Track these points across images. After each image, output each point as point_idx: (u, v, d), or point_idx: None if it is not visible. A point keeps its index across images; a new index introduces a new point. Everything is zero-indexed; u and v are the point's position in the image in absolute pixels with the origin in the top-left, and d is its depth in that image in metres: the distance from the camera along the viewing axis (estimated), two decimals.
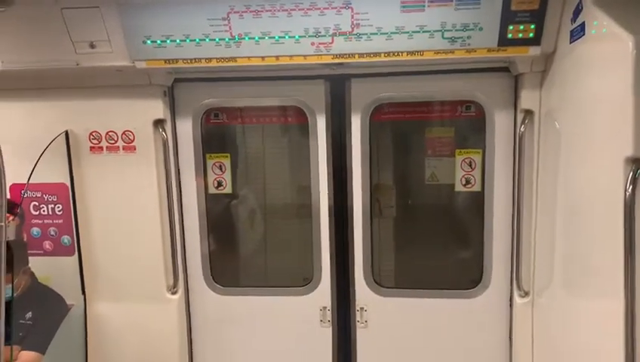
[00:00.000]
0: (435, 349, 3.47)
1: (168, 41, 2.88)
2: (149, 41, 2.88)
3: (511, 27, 2.67)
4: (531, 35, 2.68)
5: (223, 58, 2.91)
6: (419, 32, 2.73)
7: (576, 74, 2.49)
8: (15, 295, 3.09)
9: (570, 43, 2.52)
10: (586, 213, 2.41)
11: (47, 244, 3.47)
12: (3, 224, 2.22)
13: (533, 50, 2.73)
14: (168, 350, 3.52)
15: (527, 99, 2.99)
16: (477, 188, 3.32)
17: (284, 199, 3.79)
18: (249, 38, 2.83)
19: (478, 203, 3.35)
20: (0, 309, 2.25)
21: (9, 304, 2.84)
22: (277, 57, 2.88)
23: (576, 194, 2.53)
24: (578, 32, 2.42)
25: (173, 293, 3.48)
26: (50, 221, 3.44)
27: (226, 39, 2.85)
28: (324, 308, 3.51)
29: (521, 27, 2.67)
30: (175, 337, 3.51)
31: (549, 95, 2.89)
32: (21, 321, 3.15)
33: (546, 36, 2.68)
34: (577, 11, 2.42)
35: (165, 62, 2.96)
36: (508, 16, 2.64)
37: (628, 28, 2.03)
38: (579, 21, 2.41)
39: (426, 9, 2.67)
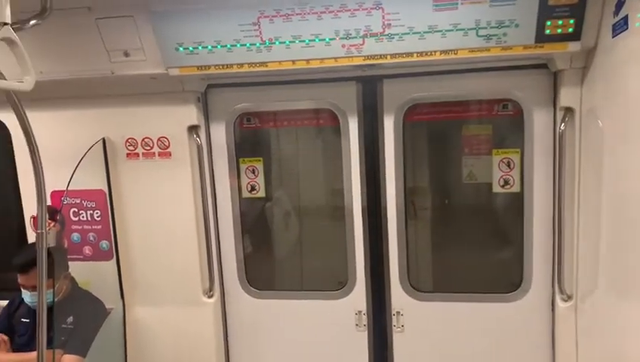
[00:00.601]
0: (473, 355, 3.39)
1: (200, 48, 2.90)
2: (181, 48, 2.91)
3: (549, 22, 2.58)
4: (570, 30, 2.58)
5: (254, 63, 2.91)
6: (452, 30, 2.67)
7: (621, 69, 2.38)
8: (56, 300, 3.16)
9: (613, 37, 2.41)
10: (634, 215, 2.30)
11: (86, 249, 3.55)
12: (44, 231, 2.27)
13: (573, 46, 2.63)
14: (205, 353, 3.55)
15: (568, 96, 2.88)
16: (516, 189, 3.23)
17: (318, 202, 3.78)
18: (279, 43, 2.82)
19: (517, 203, 3.25)
20: (42, 314, 2.30)
21: (50, 309, 2.93)
22: (308, 61, 2.87)
23: (623, 194, 2.42)
24: (621, 26, 2.31)
25: (210, 297, 3.51)
26: (89, 226, 3.52)
27: (257, 44, 2.84)
28: (360, 312, 3.47)
29: (560, 22, 2.57)
30: (211, 340, 3.53)
31: (590, 92, 2.77)
32: (63, 326, 3.23)
33: (586, 31, 2.57)
34: (620, 4, 2.31)
35: (197, 68, 2.98)
36: (545, 12, 2.55)
37: None
38: (622, 14, 2.30)
39: (460, 7, 2.60)
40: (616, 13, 2.36)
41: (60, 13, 2.73)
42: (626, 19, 2.26)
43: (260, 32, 2.80)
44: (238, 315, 3.65)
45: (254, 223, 3.71)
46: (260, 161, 3.54)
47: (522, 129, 3.13)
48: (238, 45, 2.86)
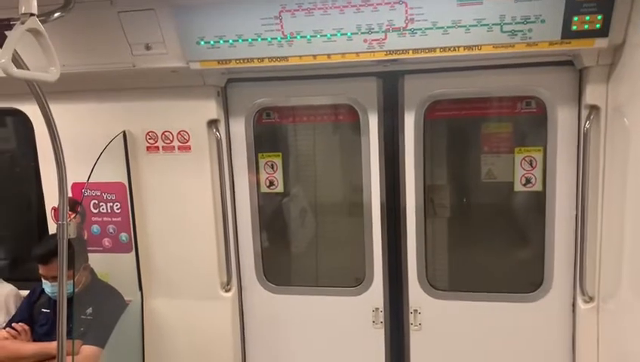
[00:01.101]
0: (491, 355, 3.35)
1: (221, 42, 2.89)
2: (202, 42, 2.91)
3: (576, 18, 2.52)
4: (598, 26, 2.52)
5: (275, 57, 2.90)
6: (476, 25, 2.62)
7: None
8: (76, 291, 3.20)
9: None
10: None
11: (106, 241, 3.58)
12: (65, 222, 2.29)
13: (600, 42, 2.57)
14: (222, 346, 3.57)
15: (593, 94, 2.82)
16: (538, 187, 3.18)
17: (336, 198, 3.76)
18: (301, 37, 2.81)
19: (538, 202, 3.20)
20: (62, 305, 2.33)
21: (71, 300, 2.97)
22: (329, 55, 2.85)
23: None
24: None
25: (227, 291, 3.52)
26: (109, 219, 3.55)
27: (278, 38, 2.83)
28: (377, 309, 3.46)
29: (587, 18, 2.51)
30: (228, 334, 3.55)
31: (617, 90, 2.71)
32: (82, 316, 3.26)
33: (614, 27, 2.51)
34: None
35: (218, 62, 2.98)
36: (572, 7, 2.49)
37: None
38: None
39: (484, 1, 2.55)
40: None
41: (83, 6, 2.74)
42: None
43: (282, 26, 2.79)
44: (255, 310, 3.66)
45: (272, 218, 3.71)
46: (278, 156, 3.53)
47: (545, 127, 3.08)
48: (259, 39, 2.85)
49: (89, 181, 3.21)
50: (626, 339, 2.67)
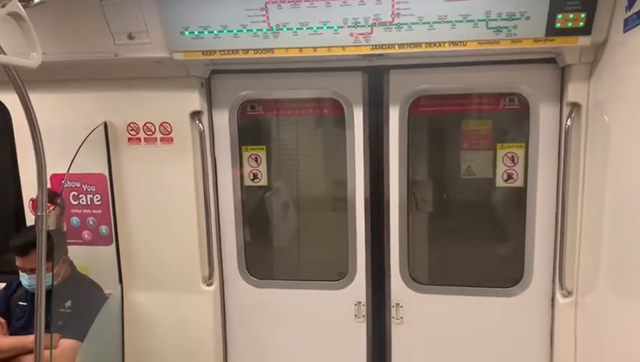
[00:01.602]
0: (472, 348, 3.39)
1: (206, 32, 2.86)
2: (186, 32, 2.87)
3: (560, 16, 2.55)
4: (581, 24, 2.55)
5: (260, 49, 2.88)
6: (462, 21, 2.64)
7: (631, 65, 2.36)
8: (55, 283, 3.14)
9: (624, 32, 2.39)
10: (638, 212, 2.29)
11: (85, 234, 3.52)
12: (44, 213, 2.25)
13: (583, 40, 2.60)
14: (203, 340, 3.54)
15: (575, 91, 2.86)
16: (519, 183, 3.22)
17: (320, 192, 3.76)
18: (287, 29, 2.79)
19: (519, 198, 3.25)
20: (41, 297, 2.29)
21: (49, 292, 2.91)
22: (315, 48, 2.83)
23: (627, 191, 2.41)
24: (633, 21, 2.29)
25: (209, 285, 3.49)
26: (89, 211, 3.49)
27: (264, 30, 2.81)
28: (359, 303, 3.47)
29: (571, 16, 2.54)
30: (210, 328, 3.52)
31: (598, 87, 2.75)
32: (61, 310, 3.21)
33: (597, 25, 2.55)
34: None
35: (203, 53, 2.94)
36: (557, 5, 2.52)
37: None
38: (634, 9, 2.28)
39: None
40: (629, 8, 2.34)
41: None
42: (638, 13, 2.24)
43: (268, 18, 2.77)
44: (237, 304, 3.64)
45: (256, 212, 3.69)
46: (262, 149, 3.51)
47: (527, 123, 3.12)
48: (245, 31, 2.83)
49: (69, 172, 3.15)
50: (602, 332, 2.73)
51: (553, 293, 3.20)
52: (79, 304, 3.27)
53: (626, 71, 2.41)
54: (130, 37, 2.93)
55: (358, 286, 3.46)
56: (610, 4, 2.48)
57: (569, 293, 3.07)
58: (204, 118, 3.34)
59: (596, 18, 2.53)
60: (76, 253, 3.42)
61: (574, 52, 2.76)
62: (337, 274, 3.49)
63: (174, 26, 2.87)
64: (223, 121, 3.43)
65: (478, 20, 2.62)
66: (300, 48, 2.84)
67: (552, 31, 2.60)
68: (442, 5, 2.61)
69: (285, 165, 3.74)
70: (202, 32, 2.86)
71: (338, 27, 2.74)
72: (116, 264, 3.49)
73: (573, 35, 2.59)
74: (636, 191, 2.32)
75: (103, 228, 3.49)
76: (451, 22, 2.65)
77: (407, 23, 2.68)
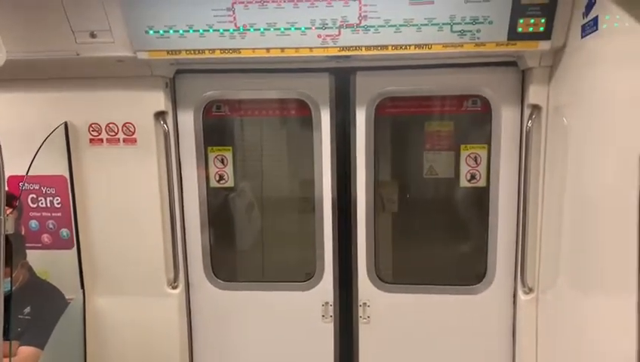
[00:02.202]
0: (438, 345, 3.45)
1: (171, 32, 2.82)
2: (151, 32, 2.82)
3: (521, 21, 2.63)
4: (541, 29, 2.64)
5: (227, 49, 2.85)
6: (427, 24, 2.69)
7: (588, 70, 2.45)
8: (13, 289, 3.04)
9: (582, 38, 2.48)
10: (597, 210, 2.38)
11: (45, 238, 3.41)
12: (2, 217, 2.17)
13: (543, 45, 2.69)
14: (168, 345, 3.49)
15: (535, 94, 2.95)
16: (482, 183, 3.30)
17: (287, 193, 3.76)
18: (254, 30, 2.78)
19: (481, 197, 3.32)
20: None
21: (7, 298, 2.80)
22: (282, 49, 2.83)
23: (585, 190, 2.50)
24: (590, 27, 2.38)
25: (174, 288, 3.44)
26: (49, 214, 3.38)
27: (231, 30, 2.79)
28: (327, 303, 3.48)
29: (532, 21, 2.63)
30: (175, 332, 3.47)
31: (557, 90, 2.85)
32: (19, 316, 3.11)
33: (556, 30, 2.64)
34: (590, 5, 2.37)
35: (168, 52, 2.90)
36: (518, 10, 2.60)
37: None
38: (591, 15, 2.37)
39: (436, 1, 2.62)
40: (586, 14, 2.43)
41: None
42: (595, 20, 2.33)
43: (234, 18, 2.75)
44: (203, 307, 3.60)
45: (222, 213, 3.65)
46: (229, 150, 3.48)
47: (490, 125, 3.20)
48: (211, 30, 2.80)
49: (28, 174, 3.05)
50: (562, 327, 2.83)
51: (515, 290, 3.29)
52: (39, 310, 3.17)
53: (584, 75, 2.50)
54: (93, 35, 2.86)
55: (326, 286, 3.47)
56: (568, 10, 2.57)
57: (530, 290, 3.16)
58: (169, 119, 3.29)
59: (555, 23, 2.62)
60: (35, 258, 3.31)
61: (535, 56, 2.85)
62: (305, 275, 3.50)
63: (138, 24, 2.81)
64: (188, 122, 3.38)
65: (443, 24, 2.68)
66: (268, 49, 2.84)
67: (513, 35, 2.68)
68: (408, 8, 2.65)
69: (252, 166, 3.71)
70: (167, 32, 2.82)
71: (306, 28, 2.75)
72: (77, 268, 3.39)
73: (534, 39, 2.68)
74: (593, 190, 2.41)
75: (64, 232, 3.39)
76: (417, 25, 2.69)
77: (373, 26, 2.71)
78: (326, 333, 3.53)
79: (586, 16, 2.42)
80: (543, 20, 2.62)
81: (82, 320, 3.41)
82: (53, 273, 3.39)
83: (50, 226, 3.39)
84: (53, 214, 3.38)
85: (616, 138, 2.19)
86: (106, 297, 3.45)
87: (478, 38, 2.70)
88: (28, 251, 3.31)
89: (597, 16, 2.32)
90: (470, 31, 2.69)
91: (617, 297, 2.19)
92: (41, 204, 3.36)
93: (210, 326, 3.61)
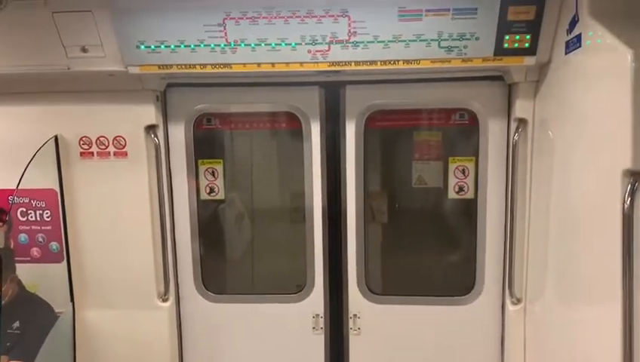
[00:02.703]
0: (427, 356, 3.48)
1: (162, 47, 2.84)
2: (142, 46, 2.85)
3: (507, 37, 2.69)
4: (527, 45, 2.71)
5: (218, 64, 2.88)
6: (416, 40, 2.74)
7: (572, 85, 2.51)
8: (2, 303, 3.02)
9: (566, 54, 2.55)
10: (581, 223, 2.43)
11: (34, 251, 3.39)
12: None
13: (529, 60, 2.76)
14: (159, 358, 3.47)
15: (521, 108, 3.01)
16: (470, 195, 3.34)
17: (278, 205, 3.77)
18: (245, 45, 2.81)
19: (470, 209, 3.37)
20: None
21: None
22: (273, 64, 2.87)
23: (570, 203, 2.55)
24: (574, 44, 2.44)
25: (164, 301, 3.44)
26: (38, 227, 3.36)
27: (222, 45, 2.82)
28: (317, 315, 3.49)
29: (517, 37, 2.69)
30: (166, 346, 3.46)
31: (543, 104, 2.91)
32: (9, 331, 3.08)
33: (541, 46, 2.70)
34: (573, 23, 2.44)
35: (159, 67, 2.92)
36: (504, 26, 2.66)
37: (626, 41, 2.05)
38: (575, 32, 2.43)
39: (424, 18, 2.67)
40: (570, 31, 2.49)
41: (16, 5, 2.63)
42: (579, 37, 2.39)
43: (226, 34, 2.78)
44: (193, 320, 3.59)
45: (212, 226, 3.66)
46: (219, 162, 3.50)
47: (477, 138, 3.25)
48: (202, 45, 2.83)
49: (18, 187, 3.04)
50: (549, 337, 2.87)
51: (503, 301, 3.32)
52: (28, 324, 3.15)
53: (568, 90, 2.56)
54: (84, 50, 2.88)
55: (316, 298, 3.48)
56: (553, 27, 2.64)
57: (518, 301, 3.20)
58: (160, 132, 3.30)
59: (540, 40, 2.68)
60: (25, 271, 3.29)
61: (521, 71, 2.91)
62: (296, 287, 3.51)
63: (130, 39, 2.84)
64: (179, 135, 3.40)
65: (431, 40, 2.73)
66: (259, 64, 2.87)
67: (500, 51, 2.73)
68: (397, 25, 2.70)
69: (242, 179, 3.73)
70: (159, 46, 2.84)
71: (296, 44, 2.79)
72: (67, 281, 3.38)
73: (520, 55, 2.74)
74: (578, 202, 2.46)
75: (54, 245, 3.37)
76: (405, 41, 2.74)
77: (363, 42, 2.76)
78: (317, 345, 3.54)
79: (570, 33, 2.49)
80: (528, 37, 2.68)
81: (72, 333, 3.40)
82: (42, 287, 3.36)
83: (40, 240, 3.37)
84: (42, 227, 3.36)
85: (600, 152, 2.24)
86: (96, 310, 3.44)
87: (465, 54, 2.76)
88: (17, 265, 3.29)
89: (580, 34, 2.38)
90: (457, 47, 2.74)
91: (603, 307, 2.23)
92: (31, 217, 3.35)
93: (201, 339, 3.61)
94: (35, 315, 3.24)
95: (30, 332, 3.13)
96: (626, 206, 2.01)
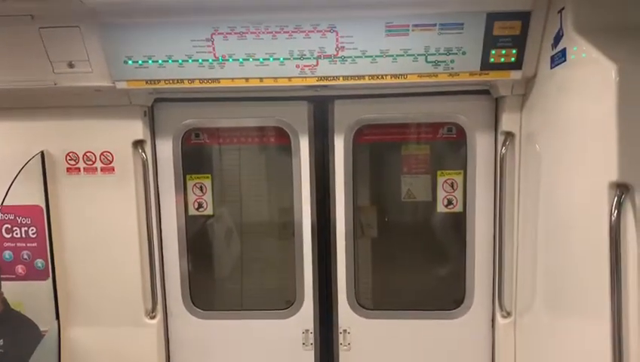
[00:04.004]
0: None
1: (150, 62, 2.84)
2: (130, 62, 2.84)
3: (493, 51, 2.72)
4: (513, 59, 2.74)
5: (206, 79, 2.88)
6: (403, 55, 2.76)
7: (558, 98, 2.54)
8: None
9: (552, 68, 2.58)
10: (569, 235, 2.44)
11: (19, 268, 3.34)
12: None
13: (515, 74, 2.79)
14: None
15: (508, 121, 3.03)
16: (459, 208, 3.35)
17: (267, 220, 3.75)
18: (233, 60, 2.82)
19: (458, 222, 3.37)
20: None
21: None
22: (261, 79, 2.87)
23: (558, 215, 2.57)
24: (559, 58, 2.47)
25: (152, 318, 3.39)
26: (24, 244, 3.32)
27: (210, 60, 2.82)
28: (307, 330, 3.47)
29: (503, 52, 2.72)
30: None
31: (529, 118, 2.93)
32: None
33: (527, 61, 2.74)
34: (558, 37, 2.47)
35: (147, 82, 2.91)
36: (490, 41, 2.69)
37: (610, 55, 2.08)
38: (560, 47, 2.46)
39: (410, 33, 2.70)
40: (555, 45, 2.52)
41: (2, 21, 2.62)
42: (564, 51, 2.42)
43: (214, 49, 2.78)
44: (181, 337, 3.55)
45: (201, 242, 3.63)
46: (208, 177, 3.48)
47: (465, 151, 3.26)
48: (190, 61, 2.83)
49: (2, 204, 3.01)
50: (539, 350, 2.86)
51: (493, 314, 3.32)
52: (13, 343, 3.10)
53: (553, 104, 2.59)
54: (71, 65, 2.87)
55: (306, 314, 3.46)
56: (538, 42, 2.67)
57: (508, 314, 3.20)
58: (147, 147, 3.28)
59: (526, 54, 2.72)
60: (9, 289, 3.24)
61: (507, 85, 2.94)
62: (285, 303, 3.48)
63: (117, 54, 2.83)
64: (167, 150, 3.38)
65: (418, 55, 2.75)
66: (247, 78, 2.87)
67: (486, 65, 2.76)
68: (384, 40, 2.72)
69: (231, 194, 3.71)
70: (146, 62, 2.84)
71: (284, 59, 2.80)
72: (53, 299, 3.32)
73: (506, 69, 2.78)
74: (565, 215, 2.48)
75: (39, 262, 3.33)
76: (392, 56, 2.76)
77: (350, 57, 2.77)
78: (307, 361, 3.50)
79: (555, 48, 2.52)
80: (514, 51, 2.72)
81: (57, 351, 3.33)
82: (27, 304, 3.31)
83: (25, 257, 3.32)
84: (28, 244, 3.32)
85: (587, 164, 2.26)
86: (82, 328, 3.39)
87: (452, 68, 2.78)
88: (2, 282, 3.24)
89: (565, 48, 2.41)
90: (444, 61, 2.76)
91: (592, 319, 2.24)
92: (16, 234, 3.30)
93: (189, 357, 3.56)
94: (20, 334, 3.19)
95: (15, 350, 3.09)
96: (613, 218, 2.02)
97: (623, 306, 2.04)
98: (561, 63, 2.47)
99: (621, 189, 2.02)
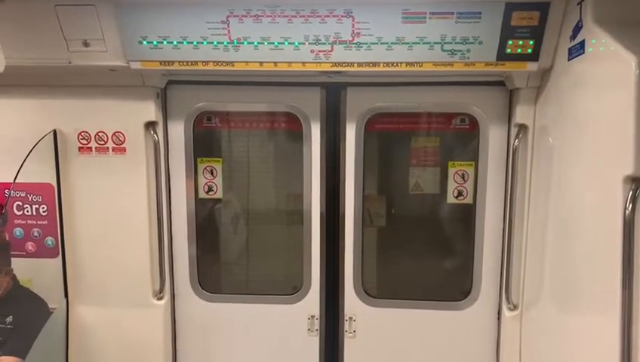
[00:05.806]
0: (422, 361, 3.46)
1: (165, 43, 2.83)
2: (145, 42, 2.84)
3: (510, 42, 2.69)
4: (530, 50, 2.71)
5: (220, 62, 2.87)
6: (419, 43, 2.74)
7: (574, 91, 2.52)
8: None
9: (569, 60, 2.55)
10: (580, 229, 2.43)
11: (29, 246, 3.36)
12: None
13: (531, 66, 2.76)
14: (152, 356, 3.45)
15: (522, 113, 3.01)
16: (469, 200, 3.34)
17: (275, 206, 3.75)
18: (248, 43, 2.80)
19: (468, 214, 3.36)
20: None
21: None
22: (275, 63, 2.86)
23: (569, 209, 2.55)
24: (577, 50, 2.44)
25: (159, 299, 3.41)
26: (34, 222, 3.34)
27: (225, 43, 2.81)
28: (313, 316, 3.48)
29: (520, 42, 2.69)
30: (159, 344, 3.44)
31: (543, 110, 2.91)
32: (1, 325, 3.05)
33: (544, 52, 2.71)
34: (577, 29, 2.44)
35: (161, 63, 2.91)
36: (507, 31, 2.66)
37: (630, 48, 2.06)
38: (578, 39, 2.44)
39: (427, 21, 2.67)
40: (573, 37, 2.50)
41: None
42: (582, 43, 2.39)
43: (229, 31, 2.77)
44: (188, 319, 3.57)
45: (210, 225, 3.64)
46: (219, 161, 3.48)
47: (477, 143, 3.25)
48: (205, 43, 2.82)
49: (15, 181, 3.02)
50: (545, 344, 2.86)
51: (500, 307, 3.32)
52: (21, 319, 3.12)
53: (570, 96, 2.57)
54: (86, 44, 2.86)
55: (312, 300, 3.47)
56: (556, 33, 2.64)
57: (515, 307, 3.20)
58: (159, 129, 3.28)
59: (543, 46, 2.69)
60: (19, 266, 3.26)
61: (522, 76, 2.91)
62: (292, 288, 3.49)
63: (132, 34, 2.82)
64: (179, 132, 3.39)
65: (434, 43, 2.73)
66: (261, 62, 2.86)
67: (502, 56, 2.74)
68: (400, 27, 2.70)
69: (241, 178, 3.70)
70: (161, 42, 2.83)
71: (299, 43, 2.78)
72: (62, 277, 3.35)
73: (522, 60, 2.75)
74: (577, 209, 2.46)
75: (49, 240, 3.35)
76: (408, 43, 2.74)
77: (366, 43, 2.75)
78: (311, 347, 3.53)
79: (573, 40, 2.49)
80: (531, 42, 2.69)
81: (65, 329, 3.37)
82: (36, 281, 3.33)
83: (35, 234, 3.34)
84: (38, 222, 3.34)
85: (601, 158, 2.24)
86: (90, 307, 3.41)
87: (467, 58, 2.76)
88: (12, 259, 3.26)
89: (584, 40, 2.38)
90: (460, 50, 2.74)
91: (601, 315, 2.23)
92: (27, 211, 3.32)
93: (195, 338, 3.58)
94: (28, 310, 3.21)
95: (23, 327, 3.11)
96: (627, 212, 2.01)
97: (634, 301, 2.03)
98: (579, 55, 2.45)
99: (636, 183, 2.00)
